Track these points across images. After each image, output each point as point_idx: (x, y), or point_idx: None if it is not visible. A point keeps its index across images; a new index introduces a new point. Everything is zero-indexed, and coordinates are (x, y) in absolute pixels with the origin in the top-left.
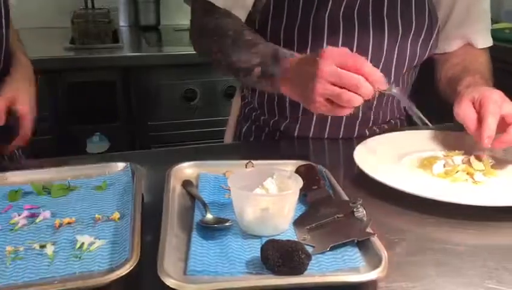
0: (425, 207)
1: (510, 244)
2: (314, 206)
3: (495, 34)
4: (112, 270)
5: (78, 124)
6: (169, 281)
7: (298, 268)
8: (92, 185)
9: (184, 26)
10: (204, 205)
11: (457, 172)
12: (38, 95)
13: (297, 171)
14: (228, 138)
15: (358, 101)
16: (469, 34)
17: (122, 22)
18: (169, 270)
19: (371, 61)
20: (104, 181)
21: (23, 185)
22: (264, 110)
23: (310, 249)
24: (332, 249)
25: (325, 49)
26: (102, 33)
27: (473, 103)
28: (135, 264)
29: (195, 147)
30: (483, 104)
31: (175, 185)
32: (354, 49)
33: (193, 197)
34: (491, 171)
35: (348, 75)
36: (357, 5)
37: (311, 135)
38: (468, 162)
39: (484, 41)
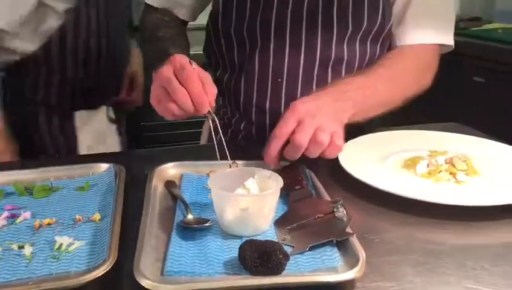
0: (408, 207)
1: (489, 244)
2: (296, 207)
3: (488, 34)
4: (88, 271)
5: None
6: (144, 282)
7: (276, 268)
8: (74, 185)
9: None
10: (186, 205)
11: (440, 172)
12: None
13: (281, 171)
14: (204, 138)
15: (176, 112)
16: (396, 31)
17: None
18: (146, 270)
19: (319, 60)
20: (86, 182)
21: (6, 185)
22: (227, 109)
23: (289, 249)
24: (311, 249)
25: (174, 55)
26: None
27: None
28: (112, 265)
29: (183, 147)
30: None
31: (157, 186)
32: (302, 49)
33: (175, 198)
34: (474, 171)
35: (173, 85)
36: (306, 4)
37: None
38: (451, 162)
39: (406, 37)
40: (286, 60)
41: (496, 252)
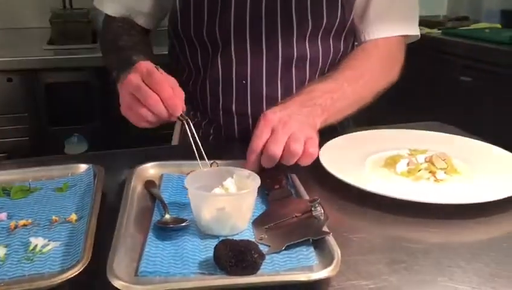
0: (387, 205)
1: (465, 242)
2: (275, 206)
3: (475, 34)
4: (62, 272)
5: (56, 125)
6: (116, 283)
7: (251, 268)
8: (53, 186)
9: (163, 26)
10: (164, 205)
11: (419, 171)
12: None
13: (261, 171)
14: (175, 139)
15: (149, 117)
16: (360, 27)
17: None
18: (120, 271)
19: (281, 59)
20: (65, 183)
21: None
22: (196, 112)
23: (266, 249)
24: (287, 248)
25: (139, 63)
26: (81, 33)
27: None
28: (85, 266)
29: (164, 147)
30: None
31: (136, 186)
32: (264, 49)
33: (154, 198)
34: (453, 169)
35: (143, 90)
36: (264, 3)
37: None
38: (431, 161)
39: (370, 31)
40: (248, 62)
41: (471, 250)
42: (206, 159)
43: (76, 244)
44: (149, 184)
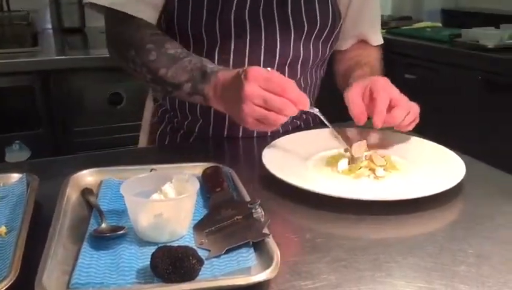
0: (328, 204)
1: (402, 237)
2: (216, 209)
3: (417, 33)
4: None
5: None
6: None
7: (189, 274)
8: None
9: None
10: (101, 213)
11: (360, 168)
12: None
13: (204, 173)
14: (143, 142)
15: (283, 120)
16: (363, 32)
17: (48, 25)
18: (50, 285)
19: (279, 58)
20: None
21: None
22: (177, 112)
23: (206, 253)
24: (227, 252)
25: (249, 69)
26: (21, 36)
27: (364, 90)
28: (12, 281)
29: (108, 153)
30: (374, 90)
31: (71, 194)
32: (262, 49)
33: (91, 206)
34: (392, 166)
35: (273, 99)
36: (262, 5)
37: (225, 134)
38: (371, 158)
39: (376, 39)
40: (246, 59)
41: (408, 245)
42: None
43: (5, 258)
44: (86, 192)
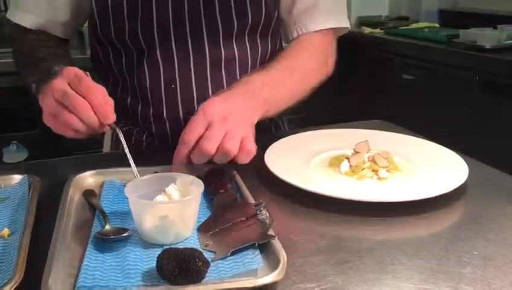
0: (332, 205)
1: (408, 238)
2: (220, 211)
3: (415, 34)
4: None
5: None
6: None
7: (195, 276)
8: None
9: None
10: (104, 215)
11: (363, 169)
12: None
13: (207, 175)
14: (107, 148)
15: (76, 125)
16: (300, 19)
17: None
18: (56, 287)
19: (209, 60)
20: None
21: None
22: (126, 119)
23: (211, 255)
24: (233, 253)
25: (66, 68)
26: None
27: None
28: (17, 284)
29: (108, 153)
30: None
31: (74, 196)
32: (190, 52)
33: (94, 208)
34: (395, 167)
35: (70, 95)
36: (186, 8)
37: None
38: (373, 159)
39: (314, 24)
40: (176, 65)
41: (413, 246)
42: (136, 172)
43: (8, 261)
44: (88, 193)
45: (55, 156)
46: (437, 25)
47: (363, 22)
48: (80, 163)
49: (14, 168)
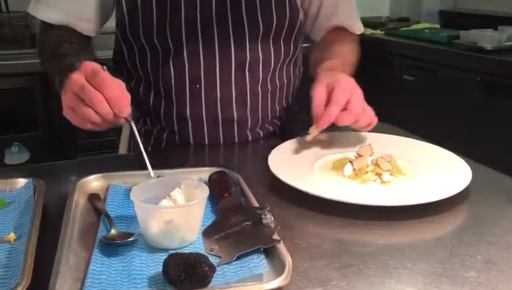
0: (335, 209)
1: (412, 242)
2: (224, 215)
3: (416, 35)
4: None
5: None
6: None
7: (201, 281)
8: None
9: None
10: (109, 219)
11: (366, 173)
12: None
13: (210, 178)
14: (123, 149)
15: (93, 117)
16: (341, 22)
17: None
18: None
19: (235, 61)
20: (2, 199)
21: None
22: (147, 118)
23: (216, 260)
24: (238, 258)
25: (83, 62)
26: (20, 38)
27: (327, 88)
28: (25, 289)
29: (110, 157)
30: (333, 90)
31: (79, 200)
32: (216, 52)
33: (99, 212)
34: (398, 170)
35: (87, 89)
36: (214, 8)
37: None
38: (377, 163)
39: (358, 28)
40: (202, 65)
41: (417, 250)
42: (150, 170)
43: (15, 265)
44: (93, 197)
45: (57, 157)
46: (438, 26)
47: (363, 23)
48: (84, 166)
49: (18, 171)
